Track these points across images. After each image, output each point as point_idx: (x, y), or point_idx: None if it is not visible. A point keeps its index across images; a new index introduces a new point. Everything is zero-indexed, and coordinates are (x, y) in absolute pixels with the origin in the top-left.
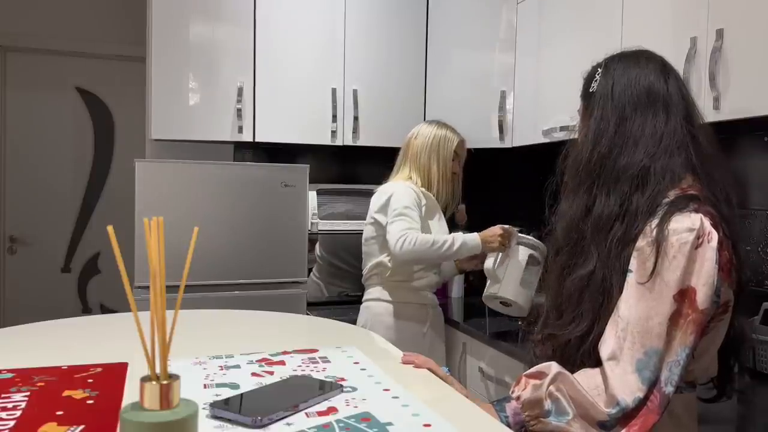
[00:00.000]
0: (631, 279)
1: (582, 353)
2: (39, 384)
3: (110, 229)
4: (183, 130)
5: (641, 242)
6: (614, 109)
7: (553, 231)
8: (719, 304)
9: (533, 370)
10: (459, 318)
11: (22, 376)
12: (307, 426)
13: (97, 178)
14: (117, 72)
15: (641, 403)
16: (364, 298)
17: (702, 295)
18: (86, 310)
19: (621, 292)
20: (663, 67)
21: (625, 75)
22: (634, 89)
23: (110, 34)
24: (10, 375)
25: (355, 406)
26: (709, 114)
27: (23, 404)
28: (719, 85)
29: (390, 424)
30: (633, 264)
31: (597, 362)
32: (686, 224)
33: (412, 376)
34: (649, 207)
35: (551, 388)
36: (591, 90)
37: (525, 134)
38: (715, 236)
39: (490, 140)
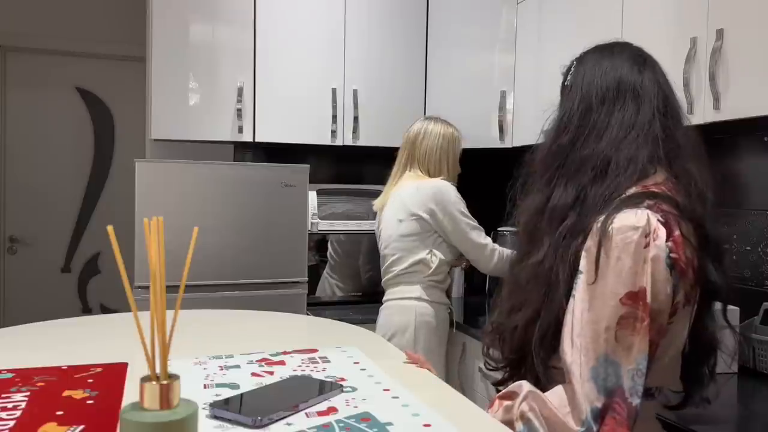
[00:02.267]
0: (581, 280)
1: (533, 344)
2: (39, 384)
3: (110, 229)
4: (183, 130)
5: (589, 242)
6: (581, 100)
7: (516, 225)
8: (672, 302)
9: (505, 390)
10: (459, 318)
11: (22, 376)
12: (307, 426)
13: (97, 178)
14: (117, 72)
15: (600, 413)
16: (401, 296)
17: (653, 297)
18: (86, 310)
19: (566, 283)
20: (638, 57)
21: (596, 66)
22: (603, 80)
23: (110, 34)
24: (10, 375)
25: (355, 406)
26: (709, 114)
27: (23, 404)
28: (719, 85)
29: (390, 424)
30: (583, 264)
31: (552, 352)
32: (630, 222)
33: (412, 376)
34: (604, 201)
35: (523, 406)
36: (566, 83)
37: (525, 134)
38: (662, 233)
39: (490, 140)
